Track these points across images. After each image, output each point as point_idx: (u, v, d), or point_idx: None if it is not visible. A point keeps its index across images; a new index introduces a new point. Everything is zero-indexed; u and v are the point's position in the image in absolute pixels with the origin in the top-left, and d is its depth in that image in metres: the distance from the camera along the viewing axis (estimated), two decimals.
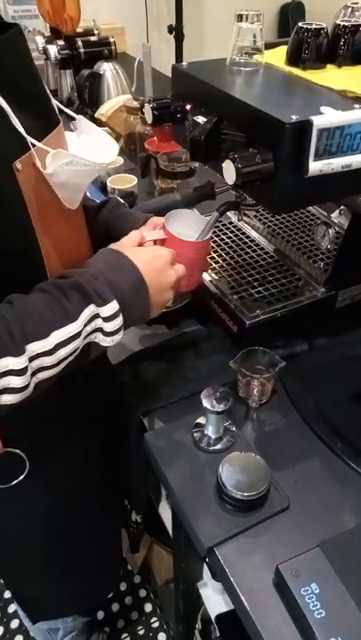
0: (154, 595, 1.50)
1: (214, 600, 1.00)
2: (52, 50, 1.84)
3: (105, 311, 0.58)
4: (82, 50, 1.84)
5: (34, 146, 0.56)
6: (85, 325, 0.57)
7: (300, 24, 0.78)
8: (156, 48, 2.56)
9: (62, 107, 0.68)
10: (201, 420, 0.77)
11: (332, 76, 0.76)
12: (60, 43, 1.85)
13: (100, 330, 0.59)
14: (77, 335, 0.56)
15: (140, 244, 0.71)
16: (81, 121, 0.70)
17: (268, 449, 0.75)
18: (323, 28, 0.77)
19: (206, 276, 0.96)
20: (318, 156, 0.63)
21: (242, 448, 0.73)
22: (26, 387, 0.53)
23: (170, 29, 2.48)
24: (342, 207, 1.06)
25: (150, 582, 1.52)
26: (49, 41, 1.87)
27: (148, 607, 1.47)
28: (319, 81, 0.75)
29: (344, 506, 0.69)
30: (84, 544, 0.93)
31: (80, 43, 1.83)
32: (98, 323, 0.59)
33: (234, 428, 0.77)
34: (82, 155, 0.60)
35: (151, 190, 1.40)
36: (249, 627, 0.60)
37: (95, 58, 1.82)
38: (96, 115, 1.65)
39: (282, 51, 0.84)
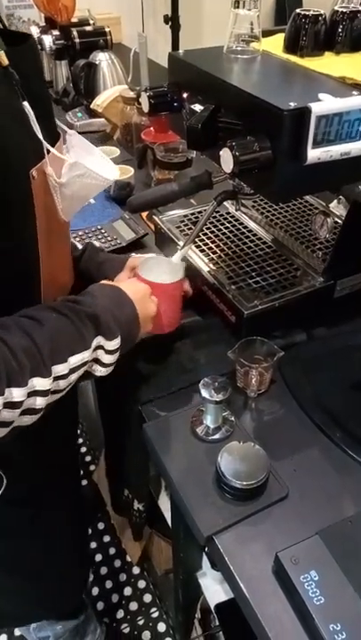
0: (153, 585, 1.50)
1: (213, 590, 1.01)
2: (47, 40, 1.82)
3: (110, 345, 0.62)
4: (77, 40, 1.82)
5: (48, 152, 0.57)
6: (92, 353, 0.59)
7: (297, 10, 0.77)
8: (152, 38, 2.53)
9: (57, 121, 0.69)
10: (200, 409, 0.77)
11: (331, 63, 0.76)
12: (55, 33, 1.84)
13: (98, 361, 0.62)
14: (86, 363, 0.59)
15: None
16: (73, 136, 0.68)
17: (266, 438, 0.75)
18: (321, 15, 0.77)
19: (204, 267, 0.96)
20: (317, 144, 0.63)
21: (241, 437, 0.73)
22: (41, 410, 0.54)
23: (166, 19, 2.46)
24: (341, 197, 1.06)
25: (150, 573, 1.52)
26: (44, 31, 1.86)
27: (148, 598, 1.48)
28: (317, 68, 0.75)
29: (343, 494, 0.69)
30: (47, 548, 0.90)
31: (75, 33, 1.82)
32: (99, 353, 0.61)
33: (232, 418, 0.77)
34: (95, 169, 0.61)
35: (148, 181, 1.39)
36: (249, 614, 0.60)
37: (91, 48, 1.80)
38: (92, 105, 1.63)
39: (279, 38, 0.83)
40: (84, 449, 1.87)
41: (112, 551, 1.58)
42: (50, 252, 0.63)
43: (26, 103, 0.55)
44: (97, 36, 1.83)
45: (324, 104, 0.62)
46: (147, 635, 1.41)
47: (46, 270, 0.63)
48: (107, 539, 1.61)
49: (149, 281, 0.78)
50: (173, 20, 2.44)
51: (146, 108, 0.85)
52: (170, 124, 0.93)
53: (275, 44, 0.83)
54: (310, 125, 0.61)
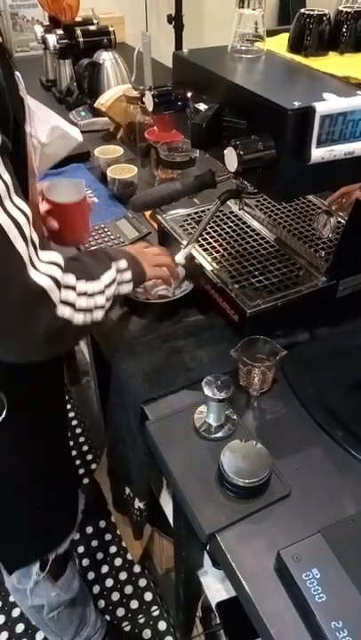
0: (154, 584, 1.51)
1: (215, 588, 1.01)
2: (51, 39, 1.82)
3: (121, 265, 0.81)
4: (81, 39, 1.82)
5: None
6: (117, 273, 0.79)
7: (302, 10, 0.78)
8: (156, 38, 2.53)
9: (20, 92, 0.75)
10: (202, 408, 0.77)
11: (335, 63, 0.76)
12: (59, 32, 1.84)
13: (122, 282, 0.81)
14: (114, 280, 0.78)
15: None
16: (30, 100, 0.77)
17: (269, 437, 0.75)
18: (325, 15, 0.77)
19: (207, 266, 0.96)
20: (321, 143, 0.63)
21: (243, 436, 0.73)
22: (103, 306, 0.74)
23: (169, 19, 2.45)
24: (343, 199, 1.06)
25: (150, 571, 1.53)
26: (48, 30, 1.86)
27: (149, 596, 1.48)
28: (321, 68, 0.75)
29: (345, 493, 0.69)
30: (41, 480, 0.96)
31: (79, 32, 1.82)
32: (118, 277, 0.79)
33: (235, 417, 0.77)
34: (69, 131, 0.75)
35: (151, 180, 1.39)
36: (250, 612, 0.60)
37: (94, 47, 1.80)
38: (95, 104, 1.63)
39: (283, 38, 0.84)
40: (85, 447, 1.87)
41: (113, 550, 1.59)
42: (32, 188, 0.75)
43: (18, 73, 0.65)
44: (101, 36, 1.83)
45: (329, 103, 0.62)
46: (147, 633, 1.41)
47: (31, 202, 0.74)
48: (108, 537, 1.62)
49: (53, 201, 0.89)
50: (177, 20, 2.44)
51: (150, 106, 0.85)
52: (174, 124, 0.94)
53: (279, 44, 0.83)
54: (314, 125, 0.61)
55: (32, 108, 0.76)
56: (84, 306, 0.69)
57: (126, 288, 0.83)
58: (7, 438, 0.85)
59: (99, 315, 0.73)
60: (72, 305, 0.67)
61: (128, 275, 0.82)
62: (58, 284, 0.64)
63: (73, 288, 0.67)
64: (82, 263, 0.74)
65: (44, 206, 0.89)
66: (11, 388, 0.81)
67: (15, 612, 1.45)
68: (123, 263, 0.82)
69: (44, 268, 0.63)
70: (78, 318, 0.68)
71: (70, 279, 0.67)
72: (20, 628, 1.43)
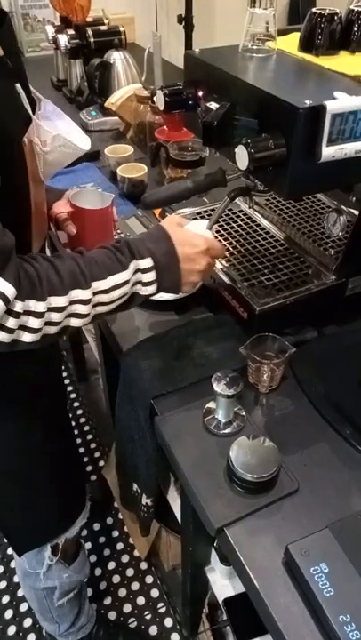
0: (161, 581, 1.51)
1: (221, 584, 1.02)
2: (63, 39, 1.84)
3: (142, 264, 0.72)
4: (92, 39, 1.84)
5: (29, 123, 0.69)
6: (132, 275, 0.71)
7: (313, 9, 0.78)
8: (166, 38, 2.55)
9: (32, 88, 0.77)
10: (211, 404, 0.78)
11: (346, 62, 0.76)
12: (70, 32, 1.85)
13: (140, 282, 0.73)
14: (127, 282, 0.71)
15: (56, 217, 0.91)
16: (48, 104, 0.79)
17: (277, 433, 0.75)
18: (336, 14, 0.77)
19: (217, 264, 0.96)
20: (331, 142, 0.64)
21: (252, 432, 0.74)
22: (88, 315, 0.68)
23: (179, 19, 2.46)
24: (354, 198, 1.06)
25: (157, 568, 1.53)
26: (59, 30, 1.87)
27: (155, 593, 1.49)
28: (332, 67, 0.75)
29: (353, 489, 0.69)
30: (54, 463, 0.98)
31: (90, 32, 1.83)
32: (138, 276, 0.73)
33: (244, 413, 0.77)
34: (73, 140, 0.76)
35: (161, 179, 1.40)
36: (259, 606, 0.61)
37: (105, 47, 1.81)
38: (106, 104, 1.65)
39: (294, 37, 0.84)
40: (93, 445, 1.88)
41: (120, 546, 1.59)
42: (35, 195, 0.77)
43: (18, 85, 0.67)
44: (112, 36, 1.84)
45: (340, 102, 0.63)
46: (154, 629, 1.42)
47: (34, 208, 0.77)
48: (115, 534, 1.62)
49: (77, 206, 0.91)
50: (187, 20, 2.45)
51: (161, 105, 0.86)
52: (184, 123, 0.94)
53: (290, 43, 0.84)
54: (325, 123, 0.62)
55: (47, 113, 0.77)
56: (37, 325, 0.64)
57: (144, 291, 0.74)
58: (6, 418, 0.87)
59: (72, 323, 0.68)
60: (10, 330, 0.62)
61: (150, 275, 0.74)
62: None
63: (27, 312, 0.63)
64: (77, 265, 0.68)
65: (65, 209, 0.91)
66: (5, 369, 0.81)
67: (23, 607, 1.47)
68: (145, 262, 0.73)
69: None
70: (27, 338, 0.64)
71: (21, 305, 0.62)
72: (27, 622, 1.44)
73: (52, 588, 1.11)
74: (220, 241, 1.03)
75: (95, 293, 0.68)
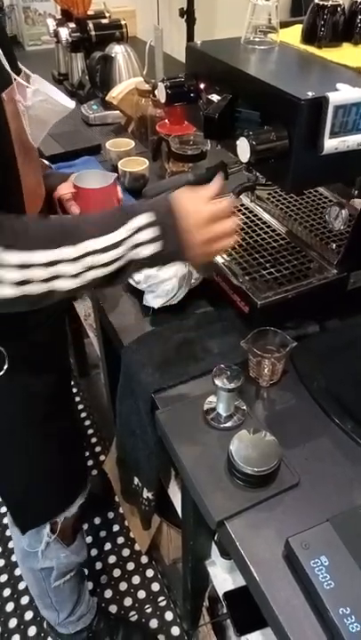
0: (161, 574, 1.52)
1: (222, 578, 1.02)
2: (64, 33, 1.82)
3: (139, 220, 0.67)
4: (93, 33, 1.82)
5: (15, 80, 0.68)
6: (128, 235, 0.66)
7: (316, 1, 0.78)
8: (167, 32, 2.53)
9: (22, 66, 0.75)
10: (212, 398, 0.78)
11: (349, 54, 0.76)
12: (72, 25, 1.84)
13: (139, 244, 0.67)
14: (122, 242, 0.65)
15: (59, 199, 0.91)
16: (37, 79, 0.76)
17: (278, 427, 0.75)
18: (339, 5, 0.77)
19: (218, 258, 0.96)
20: (334, 134, 0.63)
21: (252, 426, 0.73)
22: (77, 275, 0.64)
23: (181, 12, 2.45)
24: (356, 191, 1.06)
25: (158, 562, 1.54)
26: (60, 24, 1.86)
27: (156, 586, 1.50)
28: (335, 59, 0.75)
29: (354, 483, 0.69)
30: (59, 441, 0.99)
31: (91, 25, 1.82)
32: (135, 238, 0.67)
33: (244, 407, 0.77)
34: (55, 97, 0.74)
35: (162, 173, 1.40)
36: (259, 599, 0.61)
37: (106, 40, 1.80)
38: (107, 97, 1.64)
39: (297, 29, 0.84)
40: (94, 439, 1.88)
41: (120, 540, 1.60)
42: (27, 168, 0.74)
43: None
44: (113, 29, 1.83)
45: (342, 94, 0.62)
46: (154, 623, 1.42)
47: (26, 183, 0.74)
48: (116, 528, 1.63)
49: (79, 186, 0.91)
50: (189, 14, 2.44)
51: (163, 98, 0.85)
52: (185, 116, 0.94)
53: (292, 35, 0.83)
54: (328, 115, 0.62)
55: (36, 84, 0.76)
56: (16, 279, 0.61)
57: (146, 250, 0.67)
58: (10, 395, 0.87)
59: (60, 284, 0.64)
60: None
61: (150, 232, 0.67)
62: None
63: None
64: (53, 227, 0.66)
65: (68, 190, 0.92)
66: (10, 343, 0.82)
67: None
68: (143, 217, 0.67)
69: None
70: (4, 290, 0.61)
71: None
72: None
73: (49, 569, 1.13)
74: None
75: (87, 254, 0.64)
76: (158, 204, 0.69)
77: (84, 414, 1.97)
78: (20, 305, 0.64)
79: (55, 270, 0.62)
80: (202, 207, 0.71)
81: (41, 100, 0.72)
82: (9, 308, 0.65)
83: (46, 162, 1.02)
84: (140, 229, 0.66)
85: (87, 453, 1.83)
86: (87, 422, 1.94)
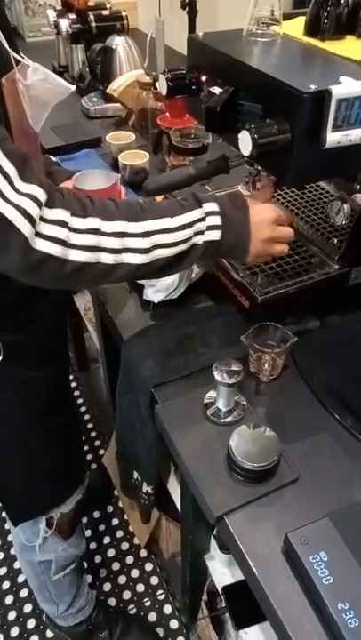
0: (160, 568, 1.52)
1: (221, 572, 1.02)
2: (64, 24, 1.81)
3: (207, 207, 0.71)
4: (93, 24, 1.81)
5: (17, 64, 0.68)
6: (195, 220, 0.70)
7: None
8: (169, 24, 2.50)
9: (21, 54, 0.74)
10: (212, 393, 0.78)
11: (352, 47, 0.75)
12: (72, 17, 1.82)
13: (203, 230, 0.71)
14: (190, 225, 0.70)
15: None
16: (39, 68, 0.77)
17: (278, 422, 0.75)
18: None
19: None
20: (336, 127, 0.63)
21: (252, 421, 0.73)
22: (147, 251, 0.67)
23: (183, 4, 2.42)
24: (358, 186, 1.05)
25: (157, 556, 1.54)
26: (60, 15, 1.85)
27: (155, 580, 1.50)
28: (338, 51, 0.74)
29: (354, 479, 0.69)
30: (59, 436, 1.00)
31: (92, 17, 1.80)
32: (201, 224, 0.71)
33: (244, 402, 0.77)
34: (54, 76, 0.74)
35: (163, 167, 1.39)
36: (258, 594, 0.61)
37: (107, 32, 1.79)
38: (108, 90, 1.62)
39: (300, 21, 0.83)
40: (93, 434, 1.89)
41: (120, 534, 1.60)
42: (19, 134, 0.72)
43: None
44: (114, 21, 1.81)
45: (345, 87, 0.62)
46: (153, 616, 1.43)
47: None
48: (115, 522, 1.63)
49: (80, 189, 0.90)
50: (190, 6, 2.41)
51: (164, 90, 0.85)
52: (186, 109, 0.93)
53: (295, 28, 0.82)
54: (331, 108, 0.61)
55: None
56: (87, 243, 0.64)
57: (210, 236, 0.72)
58: (8, 388, 0.87)
59: (128, 258, 0.66)
60: (59, 240, 0.62)
61: (215, 219, 0.72)
62: (29, 217, 0.60)
63: (63, 223, 0.63)
64: (121, 203, 0.69)
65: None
66: (10, 336, 0.82)
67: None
68: (209, 205, 0.72)
69: (19, 199, 0.60)
70: (76, 255, 0.63)
71: (60, 214, 0.63)
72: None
73: (48, 562, 1.13)
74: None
75: (155, 232, 0.67)
76: (227, 198, 0.74)
77: (83, 408, 1.97)
78: (84, 280, 0.66)
79: (125, 242, 0.65)
80: (267, 209, 0.76)
81: (41, 80, 0.71)
82: (72, 282, 0.67)
83: (54, 158, 1.00)
84: (208, 215, 0.71)
85: (86, 447, 1.83)
86: (87, 416, 1.95)
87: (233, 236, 0.73)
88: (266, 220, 0.75)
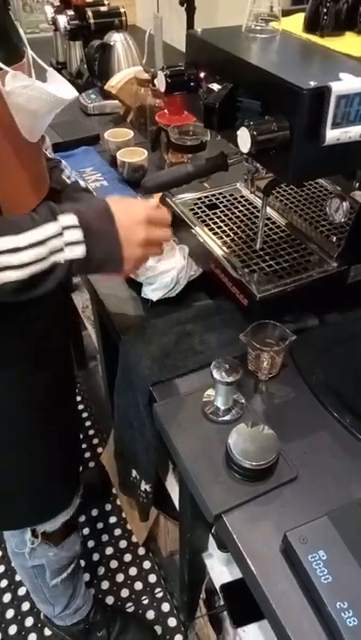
0: (158, 566, 1.52)
1: (219, 570, 1.02)
2: (62, 20, 1.80)
3: (65, 220, 0.64)
4: (92, 20, 1.80)
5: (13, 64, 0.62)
6: (50, 236, 0.63)
7: None
8: (167, 20, 2.49)
9: (35, 56, 0.72)
10: (210, 391, 0.77)
11: (351, 43, 0.75)
12: (70, 13, 1.81)
13: (62, 247, 0.64)
14: (42, 242, 0.62)
15: None
16: (53, 73, 0.74)
17: (276, 421, 0.75)
18: None
19: (217, 250, 0.95)
20: (336, 124, 0.62)
21: (251, 419, 0.73)
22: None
23: (181, 1, 2.41)
24: (357, 184, 1.05)
25: (155, 554, 1.54)
26: (58, 11, 1.83)
27: (153, 578, 1.50)
28: (338, 48, 0.74)
29: (353, 477, 0.69)
30: (46, 450, 0.96)
31: (90, 13, 1.79)
32: (57, 241, 0.64)
33: (243, 400, 0.77)
34: (41, 85, 0.65)
35: (161, 164, 1.38)
36: (256, 592, 0.61)
37: (105, 29, 1.78)
38: (106, 87, 1.62)
39: (299, 18, 0.82)
40: (91, 432, 1.88)
41: (118, 532, 1.60)
42: (10, 177, 0.68)
43: None
44: (112, 17, 1.80)
45: (345, 83, 0.61)
46: (151, 614, 1.43)
47: (13, 179, 0.68)
48: (113, 520, 1.63)
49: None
50: (189, 2, 2.40)
51: (162, 87, 0.84)
52: (185, 106, 0.92)
53: (294, 24, 0.82)
54: (330, 105, 0.61)
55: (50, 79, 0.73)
56: None
57: (70, 252, 0.64)
58: (7, 385, 0.85)
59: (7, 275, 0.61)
60: None
61: (75, 234, 0.64)
62: None
63: None
64: None
65: None
66: (6, 333, 0.79)
67: (21, 590, 1.48)
68: (68, 218, 0.64)
69: None
70: None
71: None
72: (25, 606, 1.46)
73: (40, 567, 1.11)
74: (220, 226, 1.01)
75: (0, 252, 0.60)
76: (89, 206, 0.68)
77: (81, 406, 1.97)
78: None
79: None
80: (135, 207, 0.71)
81: (24, 87, 0.62)
82: None
83: (63, 161, 0.94)
84: (65, 229, 0.64)
85: (84, 445, 1.83)
86: (85, 414, 1.94)
87: (102, 248, 0.67)
88: (136, 221, 0.69)
